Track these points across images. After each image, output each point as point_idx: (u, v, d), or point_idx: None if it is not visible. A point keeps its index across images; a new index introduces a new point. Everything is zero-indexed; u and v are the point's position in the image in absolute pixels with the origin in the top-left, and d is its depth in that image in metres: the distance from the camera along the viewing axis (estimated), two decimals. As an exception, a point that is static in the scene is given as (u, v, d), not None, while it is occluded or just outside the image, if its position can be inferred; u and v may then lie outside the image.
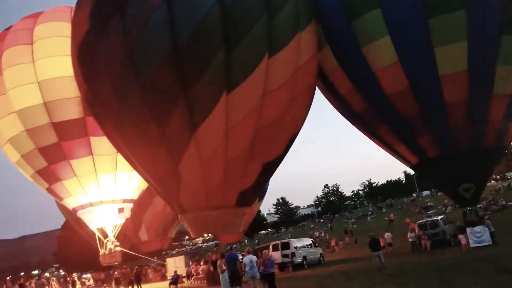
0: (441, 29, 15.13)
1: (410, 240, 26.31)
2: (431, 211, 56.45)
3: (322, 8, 17.48)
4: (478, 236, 20.83)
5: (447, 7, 14.91)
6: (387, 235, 29.81)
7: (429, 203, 69.33)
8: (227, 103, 15.86)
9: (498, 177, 77.82)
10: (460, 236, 21.78)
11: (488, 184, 24.17)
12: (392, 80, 16.44)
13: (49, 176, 25.06)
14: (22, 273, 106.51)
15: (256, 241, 70.23)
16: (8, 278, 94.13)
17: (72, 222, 32.10)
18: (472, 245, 20.71)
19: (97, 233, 27.89)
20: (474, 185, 18.53)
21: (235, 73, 15.51)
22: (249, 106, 16.32)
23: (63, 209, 30.93)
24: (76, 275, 39.29)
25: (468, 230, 21.05)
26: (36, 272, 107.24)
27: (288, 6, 16.21)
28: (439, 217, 27.89)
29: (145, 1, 15.16)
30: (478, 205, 33.48)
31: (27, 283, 31.40)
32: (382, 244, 20.89)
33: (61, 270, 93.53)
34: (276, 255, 24.86)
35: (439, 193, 72.06)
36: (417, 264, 19.03)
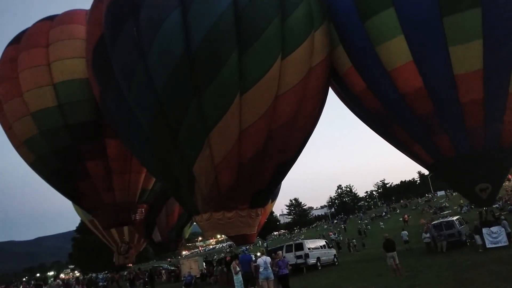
0: (456, 27, 14.93)
1: (425, 241, 26.10)
2: (446, 212, 55.95)
3: (335, 7, 17.40)
4: (494, 236, 20.61)
5: (462, 6, 14.72)
6: (403, 233, 31.77)
7: (444, 204, 68.69)
8: (240, 105, 15.91)
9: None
10: (476, 237, 21.55)
11: (504, 184, 23.87)
12: (406, 80, 16.28)
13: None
14: (38, 274, 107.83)
15: (265, 244, 69.28)
16: (24, 279, 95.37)
17: (87, 223, 32.37)
18: (488, 245, 20.49)
19: (111, 235, 28.11)
20: (490, 185, 18.29)
21: (248, 75, 15.54)
22: (263, 107, 16.34)
23: (79, 210, 31.20)
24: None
25: (484, 230, 20.83)
26: (51, 273, 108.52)
27: (301, 7, 16.19)
28: (455, 218, 27.63)
29: (159, 5, 15.25)
30: (495, 205, 33.16)
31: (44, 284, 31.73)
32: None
33: (76, 271, 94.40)
34: (290, 256, 24.77)
35: (454, 194, 71.38)
36: (432, 265, 18.87)
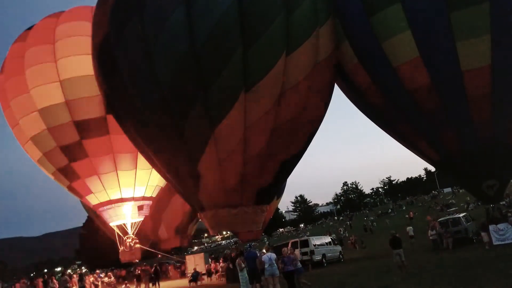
0: (463, 23, 14.82)
1: (431, 238, 25.99)
2: (453, 209, 55.60)
3: (341, 3, 17.32)
4: (501, 234, 20.50)
5: (470, 1, 14.62)
6: (409, 228, 31.93)
7: (450, 201, 68.32)
8: (245, 101, 15.89)
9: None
10: (483, 234, 21.44)
11: (511, 180, 23.78)
12: (413, 76, 16.18)
13: (70, 174, 25.42)
14: (46, 270, 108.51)
15: (267, 241, 68.69)
16: (32, 274, 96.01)
17: (95, 219, 32.50)
18: (495, 243, 20.38)
19: (117, 230, 28.20)
20: (497, 181, 18.20)
21: (253, 72, 15.51)
22: (268, 104, 16.31)
23: (86, 205, 31.31)
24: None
25: (491, 227, 20.72)
26: (59, 269, 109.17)
27: (306, 2, 16.10)
28: (461, 215, 27.48)
29: (163, 2, 15.23)
30: (502, 202, 32.97)
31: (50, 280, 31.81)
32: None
33: (83, 267, 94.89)
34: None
35: (461, 190, 71.00)
36: (439, 262, 18.77)
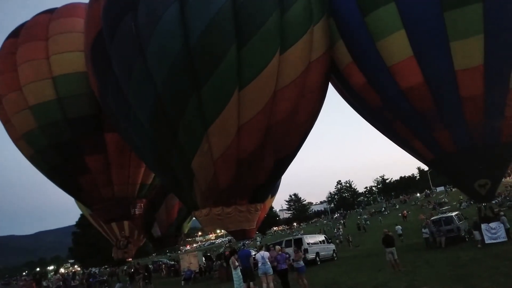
0: (457, 22, 14.88)
1: (424, 236, 26.12)
2: (446, 207, 55.92)
3: (335, 2, 17.33)
4: (493, 232, 20.61)
5: (463, 0, 14.68)
6: (397, 227, 33.62)
7: (443, 199, 68.65)
8: (239, 100, 15.86)
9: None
10: (475, 232, 21.57)
11: (503, 179, 24.00)
12: (407, 75, 16.23)
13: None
14: (38, 269, 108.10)
15: (258, 241, 68.18)
16: (24, 273, 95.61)
17: (88, 217, 32.34)
18: (487, 241, 20.49)
19: (112, 229, 28.10)
20: (489, 181, 18.30)
21: (247, 70, 15.48)
22: (261, 102, 16.30)
23: (80, 203, 31.15)
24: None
25: (483, 226, 20.83)
26: (51, 267, 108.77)
27: (300, 1, 16.09)
28: (454, 213, 27.64)
29: None
30: (494, 201, 33.19)
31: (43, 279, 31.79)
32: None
33: (76, 266, 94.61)
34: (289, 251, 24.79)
35: (453, 189, 71.34)
36: (432, 260, 18.85)
